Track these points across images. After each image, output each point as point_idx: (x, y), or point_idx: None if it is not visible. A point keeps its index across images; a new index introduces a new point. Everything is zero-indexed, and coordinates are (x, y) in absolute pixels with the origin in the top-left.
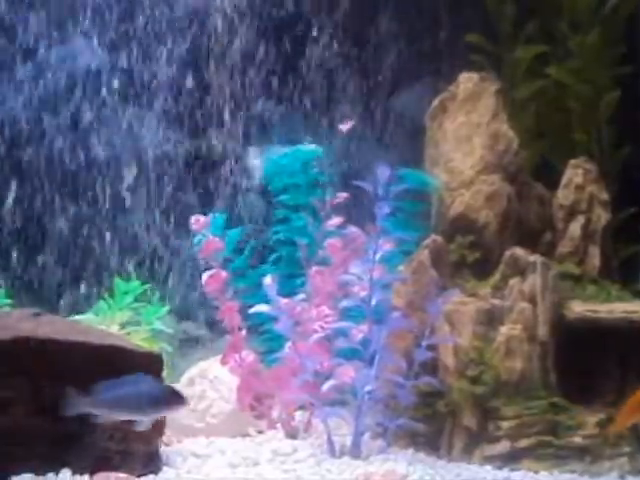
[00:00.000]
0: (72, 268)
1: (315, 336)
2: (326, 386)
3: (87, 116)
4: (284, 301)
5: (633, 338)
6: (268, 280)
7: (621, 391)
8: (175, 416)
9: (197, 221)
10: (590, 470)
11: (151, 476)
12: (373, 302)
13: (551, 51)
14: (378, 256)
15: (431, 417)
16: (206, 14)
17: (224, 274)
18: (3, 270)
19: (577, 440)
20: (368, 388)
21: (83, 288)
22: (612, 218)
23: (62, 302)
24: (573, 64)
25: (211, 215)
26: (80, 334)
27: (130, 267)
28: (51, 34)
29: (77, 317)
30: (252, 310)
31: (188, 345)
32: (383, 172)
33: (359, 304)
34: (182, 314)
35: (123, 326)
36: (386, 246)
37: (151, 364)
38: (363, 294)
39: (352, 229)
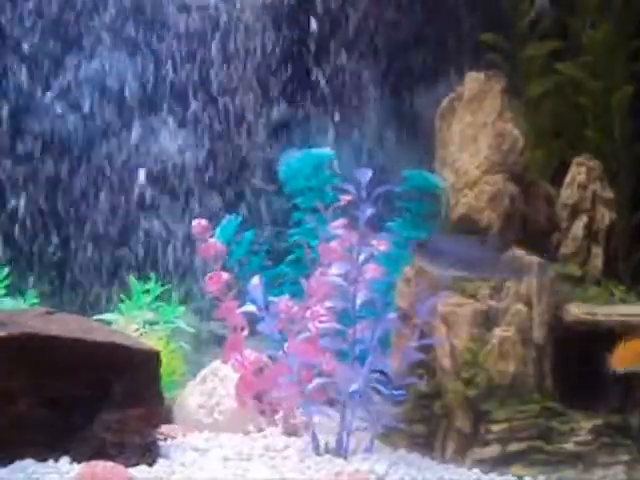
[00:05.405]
0: (101, 269)
1: (301, 336)
2: (312, 384)
3: (116, 119)
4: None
5: None
6: (255, 281)
7: (627, 396)
8: (185, 411)
9: (198, 225)
10: (581, 478)
11: (144, 467)
12: (358, 302)
13: (566, 48)
14: (362, 257)
15: (427, 418)
16: (226, 17)
17: (225, 275)
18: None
19: (569, 446)
20: (354, 387)
21: (113, 287)
22: (628, 217)
23: (91, 302)
24: (585, 59)
25: (226, 218)
26: (84, 332)
27: (157, 266)
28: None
29: (101, 316)
30: (240, 310)
31: (211, 343)
32: (364, 174)
33: (346, 305)
34: (207, 313)
35: (143, 325)
36: (381, 247)
37: (148, 360)
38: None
39: (340, 230)
